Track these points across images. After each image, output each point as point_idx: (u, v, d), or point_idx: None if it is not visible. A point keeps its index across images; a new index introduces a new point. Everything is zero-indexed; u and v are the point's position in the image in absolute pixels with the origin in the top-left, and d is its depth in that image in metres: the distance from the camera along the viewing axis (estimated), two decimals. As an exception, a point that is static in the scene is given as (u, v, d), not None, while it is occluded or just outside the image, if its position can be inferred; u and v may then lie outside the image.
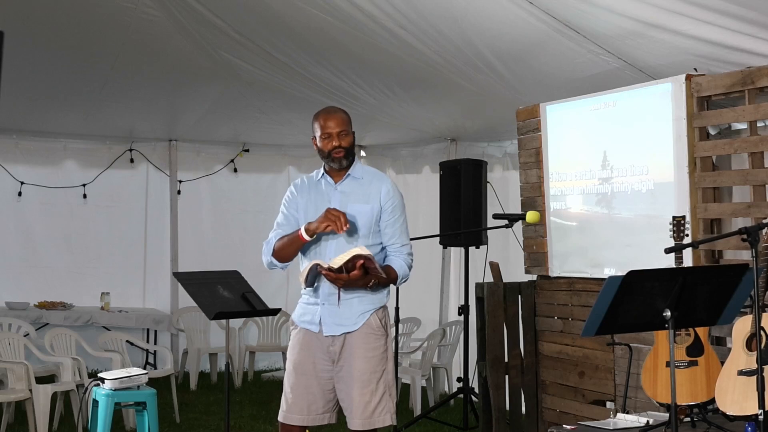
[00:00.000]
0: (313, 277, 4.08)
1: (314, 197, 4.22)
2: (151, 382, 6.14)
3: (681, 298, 3.64)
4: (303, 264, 4.17)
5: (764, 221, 4.30)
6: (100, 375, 5.66)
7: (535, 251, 6.36)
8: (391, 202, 4.14)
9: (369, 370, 4.06)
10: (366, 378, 4.05)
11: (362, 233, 4.11)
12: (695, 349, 4.54)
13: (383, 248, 4.17)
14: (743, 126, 5.28)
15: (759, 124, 5.06)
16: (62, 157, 9.56)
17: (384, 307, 4.18)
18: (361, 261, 3.90)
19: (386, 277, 4.08)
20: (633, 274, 3.60)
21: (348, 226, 3.98)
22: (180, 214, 9.80)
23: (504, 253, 7.41)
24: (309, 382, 4.13)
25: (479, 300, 6.39)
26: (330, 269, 3.93)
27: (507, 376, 6.36)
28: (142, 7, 6.44)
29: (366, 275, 3.96)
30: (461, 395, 7.02)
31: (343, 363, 4.09)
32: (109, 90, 8.01)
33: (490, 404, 6.28)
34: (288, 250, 4.15)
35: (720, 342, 5.06)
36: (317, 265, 3.99)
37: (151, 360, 9.26)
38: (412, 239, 6.12)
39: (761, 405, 3.59)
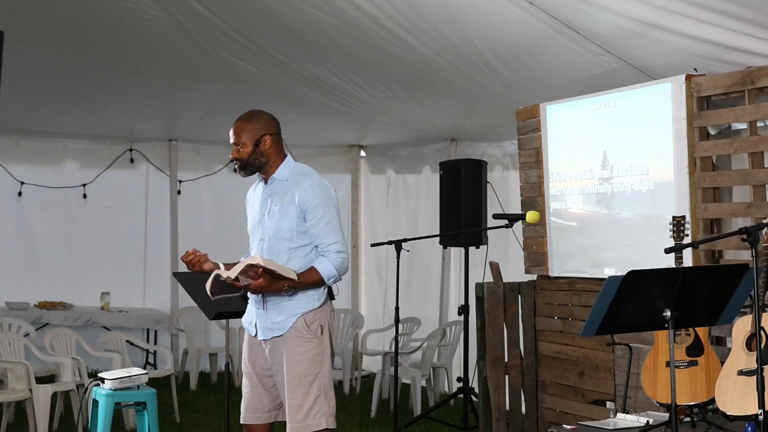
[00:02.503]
0: (220, 287, 4.07)
1: (252, 199, 4.35)
2: (151, 382, 6.13)
3: (681, 298, 3.65)
4: None
5: (764, 221, 4.30)
6: (100, 375, 5.66)
7: (535, 251, 6.36)
8: (310, 202, 4.10)
9: (299, 373, 4.06)
10: (296, 382, 4.06)
11: (285, 236, 4.12)
12: (695, 349, 4.54)
13: (315, 248, 4.12)
14: (743, 126, 5.27)
15: (759, 124, 5.06)
16: (62, 157, 9.57)
17: (317, 310, 4.11)
18: (260, 269, 3.92)
19: (300, 281, 4.02)
20: (633, 274, 3.61)
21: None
22: (180, 214, 9.80)
23: (504, 253, 7.41)
24: (253, 381, 4.24)
25: (479, 300, 6.39)
26: (228, 279, 3.98)
27: (507, 376, 6.36)
28: (142, 7, 6.44)
29: (277, 280, 3.97)
30: (461, 395, 7.02)
31: (278, 367, 4.13)
32: (109, 90, 8.01)
33: (490, 404, 6.28)
34: None
35: (720, 342, 5.06)
36: (218, 275, 4.04)
37: (151, 360, 9.26)
38: (412, 239, 6.13)
39: (761, 405, 3.59)
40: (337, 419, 4.25)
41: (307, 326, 4.08)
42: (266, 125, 4.24)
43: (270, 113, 4.34)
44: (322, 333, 4.11)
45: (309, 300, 4.11)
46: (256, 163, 4.22)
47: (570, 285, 6.11)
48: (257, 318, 4.20)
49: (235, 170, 4.36)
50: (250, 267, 3.95)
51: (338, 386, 9.07)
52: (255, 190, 4.37)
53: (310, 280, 4.06)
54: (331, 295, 4.22)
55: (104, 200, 9.64)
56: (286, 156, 4.29)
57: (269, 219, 4.18)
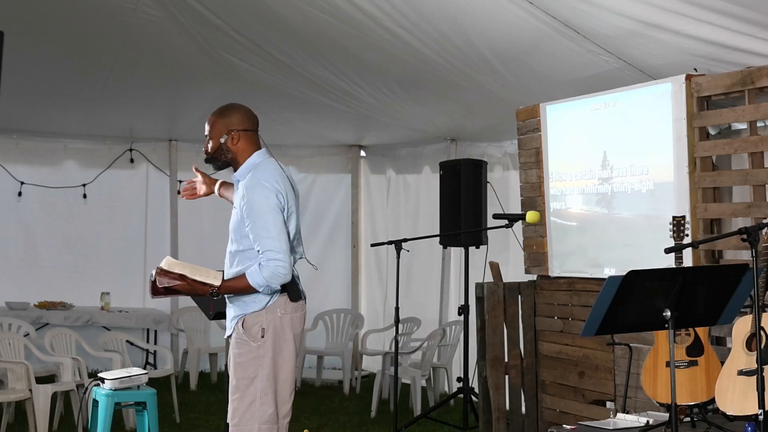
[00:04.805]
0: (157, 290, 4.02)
1: None
2: (151, 382, 6.14)
3: (681, 298, 3.64)
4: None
5: (764, 221, 4.30)
6: (100, 375, 5.67)
7: (535, 251, 6.36)
8: (246, 207, 3.90)
9: (237, 376, 3.97)
10: (234, 384, 3.99)
11: (235, 238, 4.02)
12: (695, 349, 4.54)
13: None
14: (743, 126, 5.27)
15: (759, 124, 5.06)
16: (62, 157, 9.57)
17: (258, 313, 3.93)
18: (177, 272, 3.90)
19: (225, 286, 3.91)
20: (633, 274, 3.61)
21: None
22: (180, 214, 9.80)
23: (504, 253, 7.41)
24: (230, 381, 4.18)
25: (479, 300, 6.38)
26: (150, 277, 3.97)
27: (507, 376, 6.36)
28: (142, 7, 6.44)
29: (203, 284, 3.91)
30: (461, 395, 7.02)
31: None
32: (109, 90, 8.01)
33: (490, 404, 6.28)
34: None
35: (720, 342, 5.06)
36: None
37: (151, 360, 9.26)
38: (412, 239, 6.11)
39: (761, 405, 3.59)
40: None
41: (244, 329, 3.95)
42: (237, 121, 4.06)
43: (247, 108, 4.15)
44: (263, 336, 3.93)
45: (250, 302, 3.95)
46: (222, 158, 4.08)
47: (570, 285, 6.11)
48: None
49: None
50: (163, 270, 3.90)
51: (338, 386, 9.08)
52: None
53: (238, 286, 3.91)
54: (291, 297, 3.98)
55: (104, 200, 9.64)
56: (255, 152, 4.08)
57: (231, 220, 4.08)
